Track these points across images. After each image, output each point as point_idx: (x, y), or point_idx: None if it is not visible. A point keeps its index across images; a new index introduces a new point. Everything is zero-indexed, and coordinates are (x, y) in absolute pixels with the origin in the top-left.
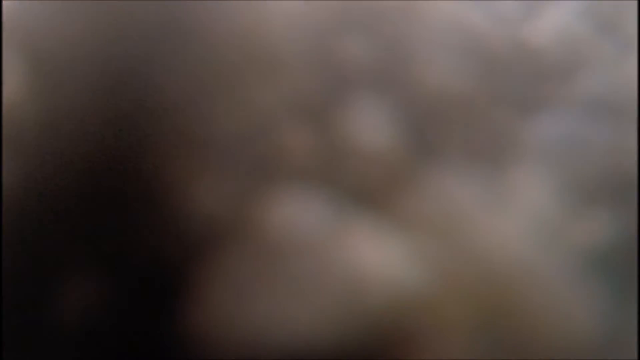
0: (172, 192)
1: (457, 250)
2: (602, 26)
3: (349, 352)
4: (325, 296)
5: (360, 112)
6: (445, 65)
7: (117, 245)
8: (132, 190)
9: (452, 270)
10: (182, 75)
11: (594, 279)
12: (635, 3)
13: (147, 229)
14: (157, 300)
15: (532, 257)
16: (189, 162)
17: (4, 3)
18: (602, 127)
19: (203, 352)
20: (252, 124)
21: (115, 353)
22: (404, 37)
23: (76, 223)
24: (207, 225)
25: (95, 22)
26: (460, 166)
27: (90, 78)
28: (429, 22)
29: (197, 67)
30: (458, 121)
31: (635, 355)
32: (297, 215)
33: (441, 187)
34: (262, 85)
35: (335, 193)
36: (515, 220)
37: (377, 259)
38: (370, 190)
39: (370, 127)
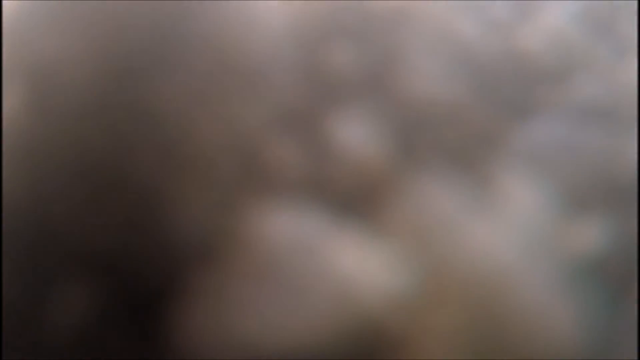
0: (162, 204)
1: (443, 257)
2: (596, 29)
3: (341, 355)
4: (313, 303)
5: (346, 120)
6: (434, 72)
7: (108, 254)
8: (122, 202)
9: (439, 277)
10: (171, 89)
11: (584, 287)
12: (631, 5)
13: (138, 239)
14: (147, 309)
15: (520, 264)
16: (178, 175)
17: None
18: (595, 132)
19: (196, 356)
20: (239, 135)
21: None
22: (392, 44)
23: (68, 233)
24: (197, 235)
25: (89, 37)
26: (448, 173)
27: (83, 92)
28: (418, 29)
29: (185, 81)
30: (446, 128)
31: (636, 357)
32: (285, 224)
33: (429, 195)
34: (249, 96)
35: (322, 202)
36: (504, 226)
37: (364, 266)
38: (357, 199)
39: (357, 135)
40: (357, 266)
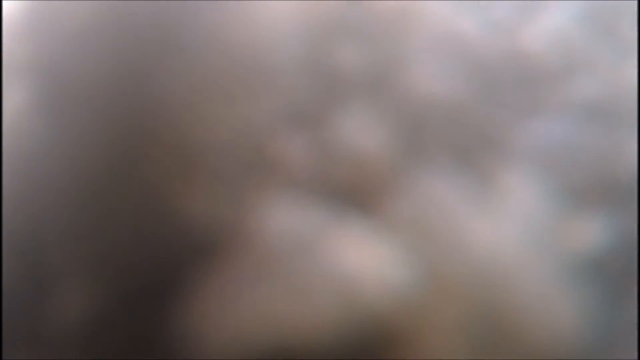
0: (168, 200)
1: (446, 254)
2: (597, 30)
3: (341, 351)
4: (317, 298)
5: (351, 117)
6: (437, 71)
7: (113, 250)
8: (128, 197)
9: (441, 273)
10: (178, 86)
11: (584, 284)
12: (632, 6)
13: (142, 235)
14: (152, 304)
15: (521, 260)
16: (184, 171)
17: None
18: (596, 132)
19: (198, 354)
20: (245, 131)
21: (110, 355)
22: (397, 43)
23: (73, 228)
24: (202, 231)
25: (96, 35)
26: (451, 170)
27: (90, 89)
28: (422, 29)
29: (192, 78)
30: (449, 126)
31: (636, 356)
32: (290, 220)
33: (432, 191)
34: (255, 94)
35: (327, 198)
36: (505, 223)
37: (368, 261)
38: (361, 195)
39: (361, 132)
40: (361, 262)
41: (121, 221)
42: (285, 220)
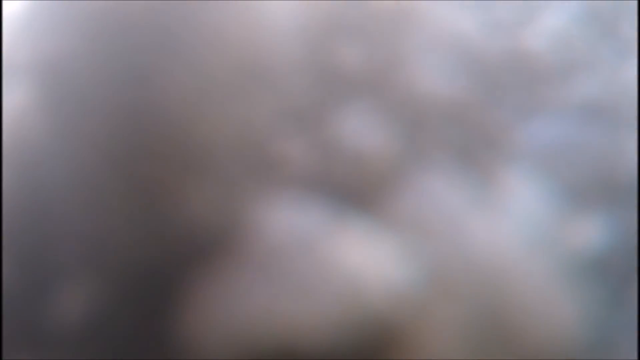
0: (169, 199)
1: (447, 252)
2: (597, 30)
3: (343, 350)
4: (318, 298)
5: (351, 116)
6: (438, 70)
7: (114, 249)
8: (129, 197)
9: (442, 271)
10: (179, 86)
11: (585, 283)
12: (632, 5)
13: (142, 233)
14: (153, 303)
15: (522, 259)
16: (185, 170)
17: (9, 15)
18: (596, 131)
19: (198, 354)
20: (246, 130)
21: (111, 354)
22: (397, 43)
23: (74, 227)
24: (203, 230)
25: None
26: (452, 170)
27: (92, 87)
28: (423, 28)
29: (193, 76)
30: (450, 126)
31: (635, 356)
32: (291, 218)
33: (433, 190)
34: (256, 93)
35: (327, 196)
36: (505, 222)
37: (369, 260)
38: (362, 194)
39: (362, 131)
40: (362, 261)
41: (122, 221)
42: (286, 220)
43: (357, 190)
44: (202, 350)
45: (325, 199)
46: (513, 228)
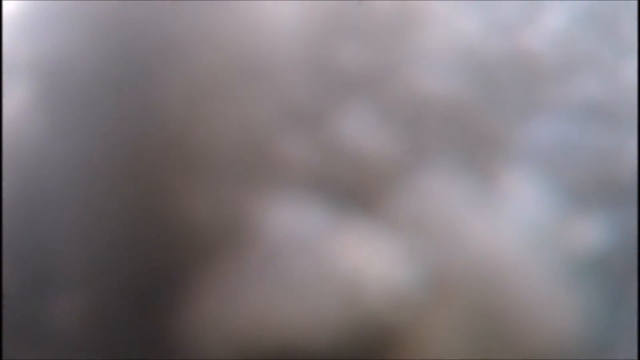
0: (169, 200)
1: (447, 253)
2: (598, 30)
3: (343, 350)
4: (320, 296)
5: (352, 116)
6: (439, 70)
7: (114, 250)
8: (129, 197)
9: (442, 271)
10: (180, 85)
11: (586, 283)
12: (632, 5)
13: (144, 234)
14: (153, 303)
15: (523, 259)
16: (185, 170)
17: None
18: (596, 131)
19: (199, 353)
20: (247, 130)
21: (111, 354)
22: (398, 43)
23: (75, 227)
24: (203, 230)
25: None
26: (453, 170)
27: (92, 87)
28: (424, 28)
29: (194, 76)
30: (451, 126)
31: (635, 356)
32: (292, 218)
33: (433, 191)
34: (257, 92)
35: (328, 197)
36: (506, 222)
37: (369, 260)
38: (363, 194)
39: (363, 131)
40: (362, 260)
41: (122, 221)
42: (287, 220)
43: (357, 190)
44: (202, 350)
45: (325, 199)
46: (513, 228)
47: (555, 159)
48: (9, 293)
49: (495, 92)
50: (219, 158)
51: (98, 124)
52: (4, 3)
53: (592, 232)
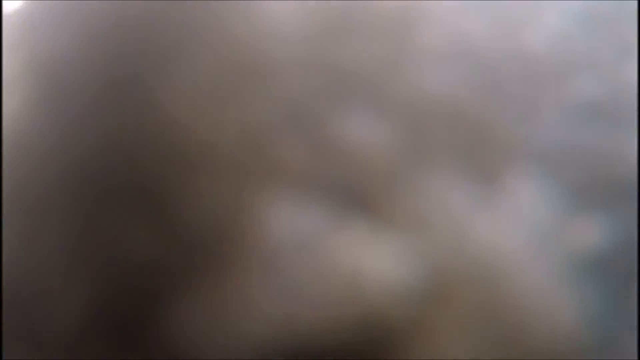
0: (169, 200)
1: (448, 253)
2: (598, 30)
3: (344, 350)
4: (320, 296)
5: (354, 117)
6: (440, 70)
7: (114, 250)
8: (129, 196)
9: (443, 271)
10: (180, 86)
11: (587, 283)
12: (632, 5)
13: (144, 234)
14: (153, 303)
15: (523, 259)
16: (186, 169)
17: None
18: (597, 131)
19: (199, 354)
20: (247, 131)
21: (111, 355)
22: (398, 43)
23: (73, 226)
24: (205, 229)
25: (96, 36)
26: (453, 170)
27: (92, 88)
28: (425, 28)
29: (193, 76)
30: (452, 126)
31: (635, 356)
32: (293, 218)
33: (434, 191)
34: (257, 93)
35: (328, 197)
36: (508, 222)
37: (371, 259)
38: (363, 194)
39: (363, 131)
40: (363, 260)
41: (122, 221)
42: (287, 220)
43: (358, 190)
44: (203, 350)
45: (326, 198)
46: (513, 227)
47: (556, 158)
48: (8, 293)
49: (496, 92)
50: (219, 158)
51: (98, 124)
52: (4, 3)
53: (593, 232)
